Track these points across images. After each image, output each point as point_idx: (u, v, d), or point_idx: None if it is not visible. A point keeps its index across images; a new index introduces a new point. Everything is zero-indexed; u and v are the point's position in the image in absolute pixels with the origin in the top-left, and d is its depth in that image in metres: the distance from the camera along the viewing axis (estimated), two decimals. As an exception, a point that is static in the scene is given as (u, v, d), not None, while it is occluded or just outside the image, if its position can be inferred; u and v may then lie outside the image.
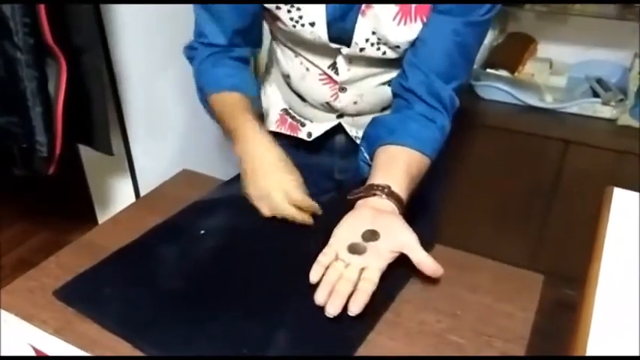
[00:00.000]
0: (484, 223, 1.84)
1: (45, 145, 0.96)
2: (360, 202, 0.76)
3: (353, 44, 0.83)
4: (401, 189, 0.76)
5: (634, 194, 0.71)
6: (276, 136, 1.03)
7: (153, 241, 0.82)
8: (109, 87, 1.18)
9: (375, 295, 0.68)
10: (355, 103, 0.93)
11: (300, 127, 1.01)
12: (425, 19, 0.80)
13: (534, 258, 1.77)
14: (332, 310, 0.65)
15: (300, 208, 0.80)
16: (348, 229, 0.72)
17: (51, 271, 0.79)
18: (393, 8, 0.79)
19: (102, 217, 1.41)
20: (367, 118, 0.95)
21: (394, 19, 0.79)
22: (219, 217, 0.87)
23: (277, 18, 0.84)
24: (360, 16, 0.81)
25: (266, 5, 0.83)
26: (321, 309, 0.66)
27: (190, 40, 0.94)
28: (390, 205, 0.74)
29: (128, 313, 0.69)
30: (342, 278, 0.67)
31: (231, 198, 0.92)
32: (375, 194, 0.75)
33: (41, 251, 0.79)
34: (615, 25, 1.76)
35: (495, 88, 1.74)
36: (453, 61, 0.82)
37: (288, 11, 0.81)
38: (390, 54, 0.85)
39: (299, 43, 0.89)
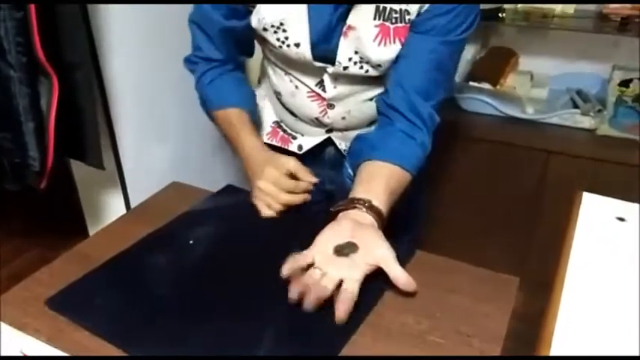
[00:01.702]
0: (470, 233, 1.87)
1: (37, 159, 0.99)
2: (341, 215, 0.79)
3: (337, 63, 0.87)
4: (380, 202, 0.79)
5: (603, 198, 0.75)
6: (268, 147, 1.06)
7: (143, 251, 0.84)
8: (100, 102, 1.21)
9: (357, 299, 0.71)
10: (343, 118, 0.97)
11: (292, 140, 1.05)
12: (403, 40, 0.84)
13: (520, 266, 1.81)
14: (308, 306, 0.68)
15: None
16: (328, 239, 0.75)
17: (44, 281, 0.81)
18: (373, 30, 0.83)
19: (93, 232, 1.43)
20: (356, 132, 0.99)
21: (374, 40, 0.83)
22: (207, 226, 0.89)
23: (265, 39, 0.88)
24: (342, 37, 0.85)
25: (254, 26, 0.87)
26: (306, 312, 0.69)
27: (189, 53, 1.00)
28: (369, 219, 0.77)
29: (118, 320, 0.72)
30: (318, 285, 0.70)
31: (219, 208, 0.95)
32: (355, 207, 0.78)
33: (33, 267, 0.81)
34: (593, 38, 1.82)
35: (478, 101, 1.78)
36: (432, 78, 0.85)
37: (275, 32, 0.85)
38: (373, 72, 0.88)
39: (288, 62, 0.92)
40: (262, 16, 0.84)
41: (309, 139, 1.02)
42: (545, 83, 1.90)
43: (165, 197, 1.04)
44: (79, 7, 1.04)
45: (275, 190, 0.86)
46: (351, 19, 0.82)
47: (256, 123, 1.00)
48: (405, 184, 0.85)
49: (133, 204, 1.36)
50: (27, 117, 0.95)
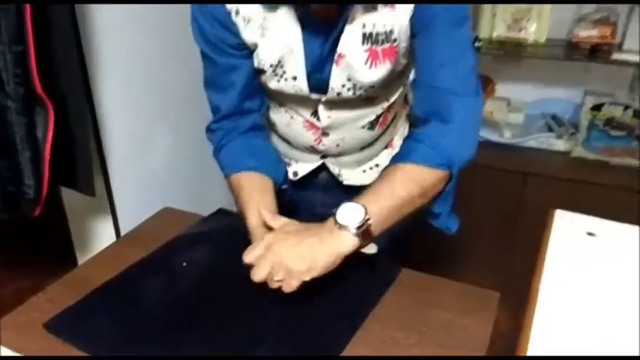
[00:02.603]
0: (453, 250, 1.91)
1: (32, 187, 1.01)
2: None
3: (330, 90, 0.90)
4: (372, 208, 0.78)
5: (574, 215, 0.80)
6: None
7: (137, 274, 0.87)
8: (92, 129, 1.24)
9: (348, 313, 0.75)
10: (338, 145, 1.00)
11: (287, 167, 1.08)
12: (392, 60, 0.87)
13: (502, 283, 1.85)
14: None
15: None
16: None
17: (40, 306, 0.83)
18: (363, 55, 0.86)
19: (82, 260, 1.44)
20: (349, 157, 1.04)
21: (366, 63, 0.87)
22: (200, 249, 0.92)
23: (264, 75, 0.91)
24: (334, 65, 0.88)
25: (255, 66, 0.91)
26: (299, 324, 0.75)
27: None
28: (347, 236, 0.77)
29: (115, 341, 0.74)
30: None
31: (211, 232, 0.98)
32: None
33: (22, 296, 0.82)
34: (565, 65, 1.90)
35: (458, 126, 1.85)
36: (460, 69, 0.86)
37: (274, 70, 0.90)
38: (365, 94, 0.92)
39: (284, 96, 0.96)
40: (261, 58, 0.88)
41: (303, 165, 1.06)
42: (521, 108, 1.98)
43: (157, 222, 1.07)
44: (74, 39, 1.08)
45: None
46: (341, 48, 0.86)
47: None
48: (424, 184, 0.83)
49: (123, 231, 1.38)
50: (23, 146, 0.98)
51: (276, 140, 1.08)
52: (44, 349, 0.75)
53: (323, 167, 1.06)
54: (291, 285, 0.73)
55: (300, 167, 1.06)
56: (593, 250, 0.73)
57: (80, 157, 1.16)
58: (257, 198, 0.88)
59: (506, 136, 1.83)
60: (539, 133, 1.82)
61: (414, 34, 0.84)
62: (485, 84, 1.98)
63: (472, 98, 0.84)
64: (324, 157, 1.04)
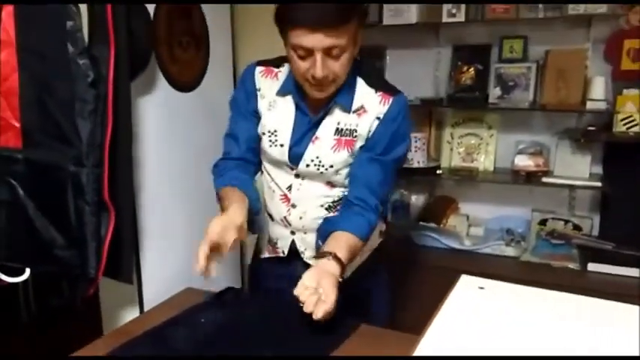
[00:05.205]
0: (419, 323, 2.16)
1: (94, 268, 1.37)
2: (314, 263, 1.16)
3: (302, 160, 1.27)
4: (342, 254, 1.15)
5: (473, 277, 1.15)
6: (269, 260, 1.43)
7: (169, 324, 1.21)
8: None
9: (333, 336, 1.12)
10: (301, 218, 1.33)
11: (277, 248, 1.41)
12: (349, 150, 1.26)
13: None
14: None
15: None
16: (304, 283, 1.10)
17: (98, 347, 1.15)
18: (332, 141, 1.25)
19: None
20: (312, 236, 1.34)
21: (331, 148, 1.26)
22: (213, 311, 1.27)
23: (263, 138, 1.30)
24: (311, 144, 1.26)
25: (259, 131, 1.30)
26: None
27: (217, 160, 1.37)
28: (332, 264, 1.13)
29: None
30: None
31: (221, 301, 1.33)
32: (324, 256, 1.14)
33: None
34: (514, 188, 2.33)
35: (426, 236, 2.24)
36: (377, 181, 1.27)
37: (269, 136, 1.29)
38: (326, 173, 1.28)
39: (272, 162, 1.33)
40: (264, 124, 1.29)
41: (282, 242, 1.39)
42: (480, 223, 2.37)
43: (182, 297, 1.41)
44: (131, 168, 1.52)
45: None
46: (319, 133, 1.25)
47: (252, 211, 1.27)
48: (358, 245, 1.22)
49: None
50: (92, 239, 1.37)
51: (265, 219, 1.42)
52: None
53: (296, 256, 1.37)
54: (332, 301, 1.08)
55: (282, 244, 1.39)
56: (481, 297, 1.08)
57: (125, 253, 1.53)
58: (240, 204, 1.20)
59: (467, 244, 2.21)
60: (494, 242, 2.20)
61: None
62: (449, 203, 2.40)
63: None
64: (292, 233, 1.37)
